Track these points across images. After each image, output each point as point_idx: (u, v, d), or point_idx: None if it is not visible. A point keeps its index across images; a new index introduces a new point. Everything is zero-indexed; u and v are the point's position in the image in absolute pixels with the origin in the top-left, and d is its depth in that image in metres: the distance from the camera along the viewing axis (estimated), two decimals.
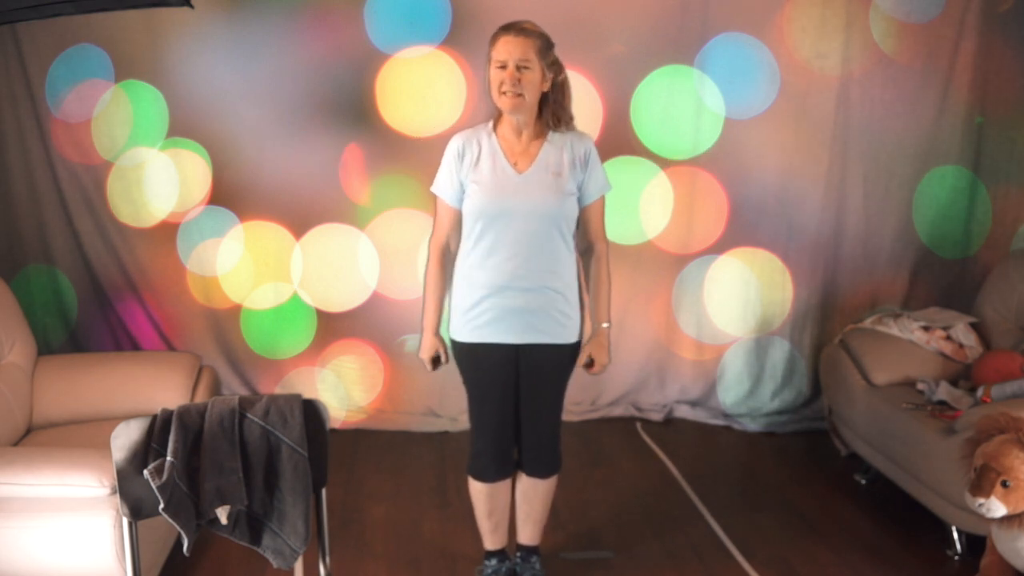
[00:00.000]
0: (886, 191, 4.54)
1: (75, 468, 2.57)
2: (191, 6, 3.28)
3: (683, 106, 4.45)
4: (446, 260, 2.91)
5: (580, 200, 2.83)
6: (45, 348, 4.34)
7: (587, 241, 2.92)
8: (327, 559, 2.24)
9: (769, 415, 4.66)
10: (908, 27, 4.37)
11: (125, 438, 2.02)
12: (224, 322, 4.53)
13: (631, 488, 3.93)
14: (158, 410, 2.09)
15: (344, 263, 4.51)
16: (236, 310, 4.54)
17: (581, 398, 4.65)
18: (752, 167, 4.51)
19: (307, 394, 2.85)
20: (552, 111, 2.78)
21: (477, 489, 2.99)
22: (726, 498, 3.83)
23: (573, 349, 2.89)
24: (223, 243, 4.46)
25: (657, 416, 4.69)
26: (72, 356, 3.92)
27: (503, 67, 2.68)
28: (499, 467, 2.95)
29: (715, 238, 4.60)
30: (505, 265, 2.77)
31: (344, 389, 4.59)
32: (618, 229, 4.46)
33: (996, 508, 2.66)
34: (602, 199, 2.89)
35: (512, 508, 3.08)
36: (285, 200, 4.43)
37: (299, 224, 4.47)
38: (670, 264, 4.63)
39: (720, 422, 4.67)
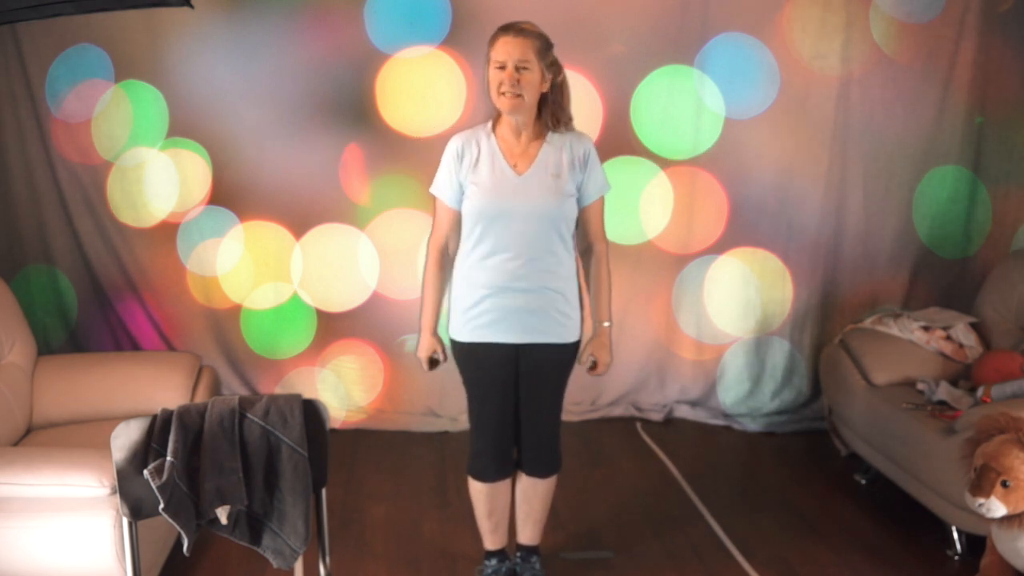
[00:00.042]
0: (886, 191, 4.54)
1: (75, 468, 2.57)
2: (191, 6, 3.28)
3: (683, 106, 4.45)
4: (445, 261, 2.91)
5: (579, 201, 2.83)
6: (45, 348, 4.34)
7: (587, 242, 2.92)
8: (327, 559, 2.24)
9: (769, 415, 4.66)
10: (908, 27, 4.37)
11: (125, 438, 2.02)
12: (224, 322, 4.53)
13: (631, 488, 3.93)
14: (158, 410, 2.09)
15: (344, 263, 4.51)
16: (236, 310, 4.54)
17: (581, 398, 4.65)
18: (752, 167, 4.51)
19: (307, 394, 2.85)
20: (551, 112, 2.78)
21: (477, 489, 2.99)
22: (726, 498, 3.83)
23: (573, 348, 2.90)
24: (223, 243, 4.46)
25: (657, 416, 4.69)
26: (72, 356, 3.92)
27: (502, 68, 2.67)
28: (499, 467, 2.95)
29: (715, 238, 4.60)
30: (505, 266, 2.77)
31: (344, 389, 4.59)
32: (618, 229, 4.46)
33: (996, 508, 2.66)
34: (601, 199, 2.89)
35: (512, 508, 3.08)
36: (285, 200, 4.43)
37: (299, 224, 4.47)
38: (670, 264, 4.63)
39: (720, 422, 4.67)
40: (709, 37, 4.38)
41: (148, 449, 2.03)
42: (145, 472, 1.99)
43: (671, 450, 4.32)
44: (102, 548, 2.56)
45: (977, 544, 3.13)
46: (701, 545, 3.43)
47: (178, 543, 2.75)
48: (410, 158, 4.33)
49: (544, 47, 2.71)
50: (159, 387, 3.44)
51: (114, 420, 2.53)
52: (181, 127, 4.33)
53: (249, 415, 2.11)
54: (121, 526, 2.24)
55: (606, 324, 2.93)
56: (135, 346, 4.51)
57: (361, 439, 4.42)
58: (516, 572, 3.11)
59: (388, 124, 4.39)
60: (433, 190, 2.87)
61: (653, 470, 4.12)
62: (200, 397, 3.47)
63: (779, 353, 4.67)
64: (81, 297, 4.48)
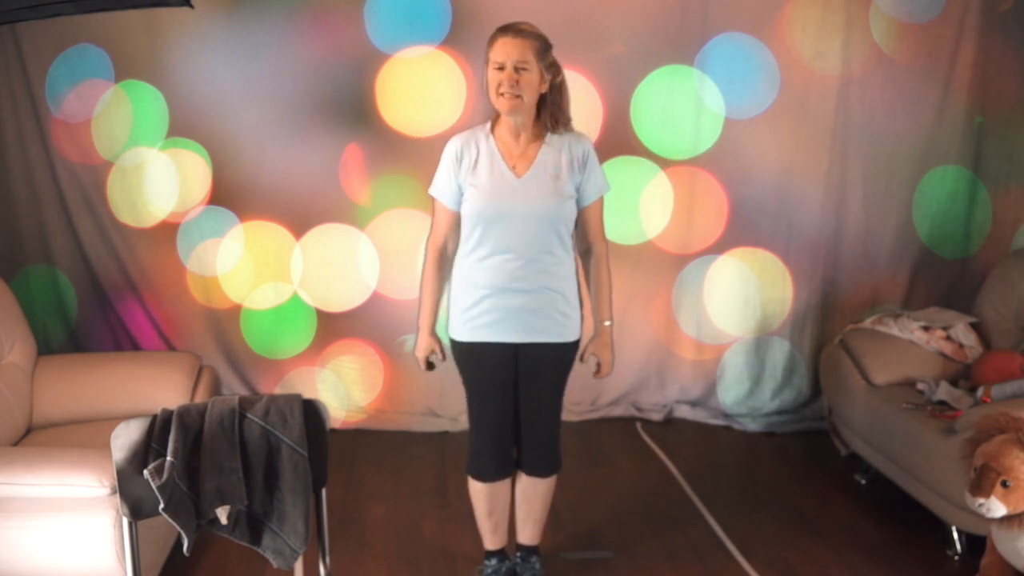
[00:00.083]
0: (886, 191, 4.54)
1: (75, 468, 2.57)
2: (191, 6, 3.28)
3: (683, 106, 4.45)
4: (443, 261, 2.91)
5: (579, 201, 2.83)
6: (45, 348, 4.34)
7: (586, 242, 2.92)
8: (327, 559, 2.24)
9: (769, 415, 4.66)
10: (908, 27, 4.37)
11: (125, 438, 2.02)
12: (224, 322, 4.53)
13: (631, 488, 3.93)
14: (158, 410, 2.09)
15: (344, 263, 4.51)
16: (236, 310, 4.54)
17: (581, 398, 4.65)
18: (752, 167, 4.51)
19: (307, 394, 2.85)
20: (550, 113, 2.77)
21: (477, 489, 2.99)
22: (726, 498, 3.83)
23: (573, 348, 2.90)
24: (223, 243, 4.46)
25: (657, 416, 4.69)
26: (72, 356, 3.92)
27: (501, 68, 2.67)
28: (499, 467, 2.95)
29: (715, 238, 4.60)
30: (504, 266, 2.78)
31: (344, 389, 4.59)
32: (618, 229, 4.46)
33: (996, 508, 2.66)
34: (601, 200, 2.88)
35: (512, 508, 3.08)
36: (285, 200, 4.43)
37: (299, 224, 4.47)
38: (670, 264, 4.63)
39: (720, 422, 4.67)
40: (709, 37, 4.38)
41: (148, 449, 2.03)
42: (145, 472, 1.99)
43: (671, 450, 4.32)
44: (102, 548, 2.56)
45: (977, 544, 3.13)
46: (701, 545, 3.43)
47: (178, 543, 2.75)
48: (410, 158, 4.33)
49: (543, 48, 2.71)
50: (159, 387, 3.44)
51: (114, 420, 2.53)
52: (181, 127, 4.33)
53: (249, 415, 2.11)
54: (121, 526, 2.24)
55: (607, 323, 2.93)
56: (135, 346, 4.51)
57: (361, 439, 4.42)
58: (516, 572, 3.11)
59: (388, 124, 4.39)
60: (432, 191, 2.87)
61: (653, 470, 4.12)
62: (200, 397, 3.47)
63: (779, 353, 4.67)
64: (81, 297, 4.48)
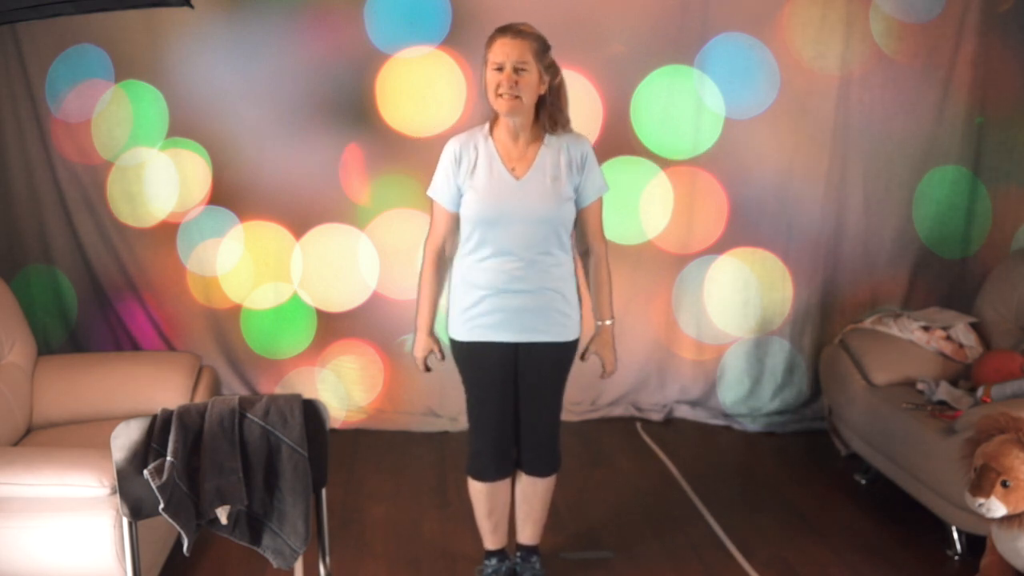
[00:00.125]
0: (886, 191, 4.54)
1: (75, 468, 2.57)
2: (191, 6, 3.28)
3: (683, 106, 4.45)
4: (441, 263, 2.91)
5: (577, 202, 2.83)
6: (45, 348, 4.34)
7: (585, 243, 2.91)
8: (327, 559, 2.24)
9: (769, 415, 4.66)
10: (908, 27, 4.37)
11: (125, 438, 2.02)
12: (224, 322, 4.53)
13: (631, 488, 3.93)
14: (158, 410, 2.09)
15: (344, 263, 4.51)
16: (236, 310, 4.54)
17: (581, 398, 4.65)
18: (752, 167, 4.51)
19: (307, 394, 2.85)
20: (549, 114, 2.76)
21: (477, 489, 2.99)
22: (726, 498, 3.83)
23: (572, 347, 2.90)
24: (223, 243, 4.46)
25: (657, 416, 4.69)
26: (72, 356, 3.92)
27: (500, 69, 2.66)
28: (498, 466, 2.95)
29: (715, 238, 4.60)
30: (503, 268, 2.78)
31: (344, 389, 4.59)
32: (618, 229, 4.46)
33: (996, 508, 2.66)
34: (600, 200, 2.88)
35: (512, 508, 3.08)
36: (285, 200, 4.43)
37: (299, 224, 4.47)
38: (670, 264, 4.63)
39: (720, 422, 4.67)
40: (709, 37, 4.38)
41: (148, 449, 2.03)
42: (145, 472, 1.99)
43: (671, 450, 4.32)
44: (102, 548, 2.56)
45: (977, 544, 3.13)
46: (701, 545, 3.43)
47: (178, 543, 2.75)
48: (410, 158, 4.33)
49: (542, 49, 2.71)
50: (159, 387, 3.44)
51: (114, 420, 2.53)
52: (181, 127, 4.33)
53: (249, 415, 2.11)
54: (121, 526, 2.23)
55: (608, 322, 2.94)
56: (135, 346, 4.51)
57: (361, 439, 4.42)
58: (516, 572, 3.11)
59: (388, 124, 4.39)
60: (430, 193, 2.87)
61: (653, 470, 4.12)
62: (200, 397, 3.47)
63: (779, 353, 4.67)
64: (81, 297, 4.48)
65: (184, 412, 2.08)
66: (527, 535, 3.09)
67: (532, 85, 2.68)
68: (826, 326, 4.64)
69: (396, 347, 4.55)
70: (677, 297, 4.66)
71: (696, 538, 3.48)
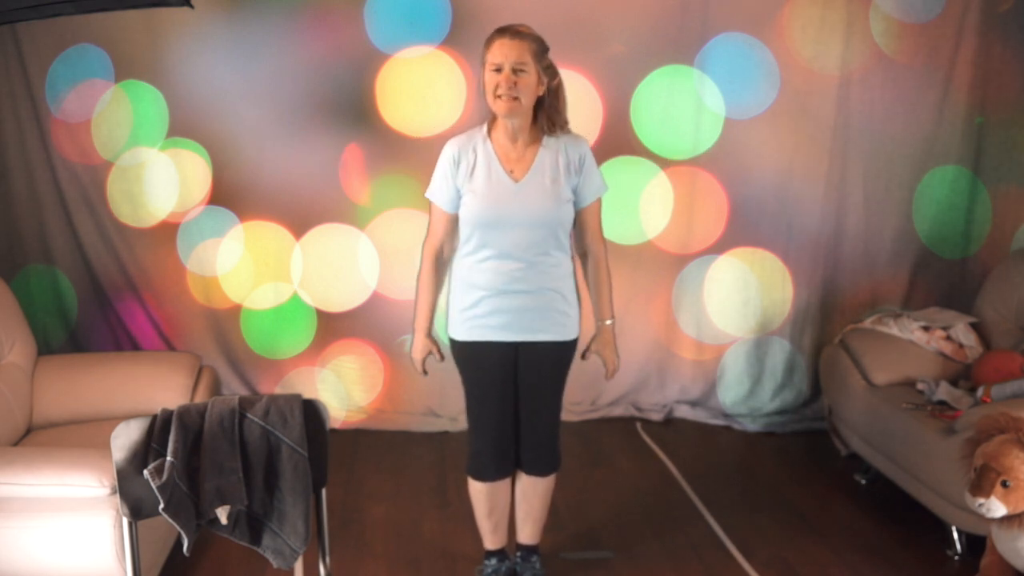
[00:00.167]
0: (886, 191, 4.54)
1: (75, 468, 2.57)
2: (191, 6, 3.28)
3: (683, 106, 4.45)
4: (439, 265, 2.91)
5: (576, 203, 2.82)
6: (45, 348, 4.34)
7: (585, 244, 2.91)
8: (327, 559, 2.24)
9: (769, 415, 4.66)
10: (908, 27, 4.37)
11: (125, 438, 2.02)
12: (224, 322, 4.53)
13: (631, 488, 3.93)
14: (158, 410, 2.09)
15: (344, 263, 4.51)
16: (236, 310, 4.54)
17: (581, 398, 4.65)
18: (752, 167, 4.51)
19: (307, 394, 2.85)
20: (547, 115, 2.76)
21: (476, 489, 2.99)
22: (726, 498, 3.83)
23: (572, 346, 2.91)
24: (223, 243, 4.46)
25: (657, 416, 4.69)
26: (72, 356, 3.92)
27: (498, 70, 2.66)
28: (498, 466, 2.95)
29: (715, 238, 4.60)
30: (503, 268, 2.78)
31: (344, 389, 4.59)
32: (618, 229, 4.46)
33: (996, 508, 2.66)
34: (599, 201, 2.88)
35: (512, 507, 3.08)
36: (285, 200, 4.43)
37: (299, 224, 4.47)
38: (670, 264, 4.63)
39: (720, 422, 4.67)
40: (709, 37, 4.38)
41: (148, 449, 2.03)
42: (145, 472, 1.99)
43: (671, 450, 4.32)
44: (102, 548, 2.56)
45: (977, 544, 3.13)
46: (701, 545, 3.43)
47: (178, 543, 2.75)
48: (410, 158, 4.33)
49: (540, 50, 2.70)
50: (159, 387, 3.44)
51: (114, 420, 2.53)
52: (181, 127, 4.33)
53: (249, 415, 2.11)
54: (121, 526, 2.24)
55: (608, 322, 2.94)
56: (135, 346, 4.51)
57: (361, 439, 4.42)
58: (516, 572, 3.11)
59: (388, 124, 4.39)
60: (429, 195, 2.86)
61: (653, 470, 4.12)
62: (200, 397, 3.47)
63: (779, 353, 4.67)
64: (81, 297, 4.48)
65: (184, 412, 2.08)
66: (527, 535, 3.09)
67: (531, 86, 2.68)
68: (826, 326, 4.64)
69: (396, 347, 4.55)
70: (677, 297, 4.66)
71: (696, 538, 3.48)
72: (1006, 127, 4.47)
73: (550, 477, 3.01)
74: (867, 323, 4.15)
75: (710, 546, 3.43)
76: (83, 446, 2.86)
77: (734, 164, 4.50)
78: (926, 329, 3.97)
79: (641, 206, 4.55)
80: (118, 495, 2.03)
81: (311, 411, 2.15)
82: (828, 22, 4.34)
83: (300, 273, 4.52)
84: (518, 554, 3.13)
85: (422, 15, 4.28)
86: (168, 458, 2.01)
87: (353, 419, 4.56)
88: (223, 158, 4.37)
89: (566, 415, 3.32)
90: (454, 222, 2.85)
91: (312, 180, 4.41)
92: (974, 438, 2.80)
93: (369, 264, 4.52)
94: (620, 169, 4.45)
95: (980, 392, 3.52)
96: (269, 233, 4.46)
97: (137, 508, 2.03)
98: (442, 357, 2.97)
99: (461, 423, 4.37)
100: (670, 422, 4.69)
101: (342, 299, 4.55)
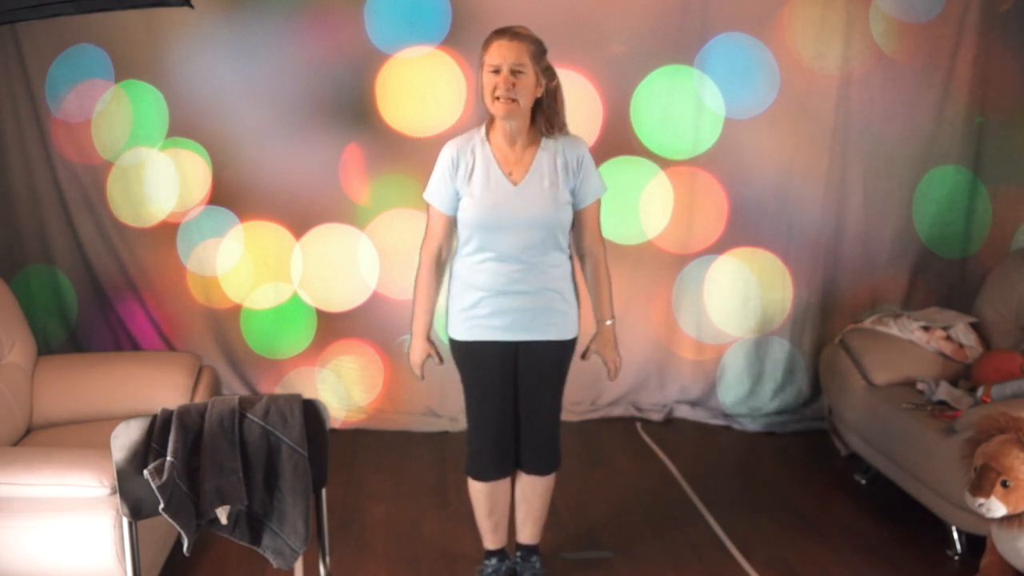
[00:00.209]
0: (886, 191, 4.54)
1: (75, 468, 2.57)
2: (191, 6, 3.28)
3: (683, 106, 4.45)
4: (438, 267, 2.90)
5: (575, 204, 2.82)
6: (45, 348, 4.34)
7: (584, 245, 2.90)
8: (327, 559, 2.24)
9: (769, 415, 4.66)
10: (908, 27, 4.37)
11: (125, 438, 2.02)
12: (224, 322, 4.53)
13: (631, 488, 3.93)
14: (158, 410, 2.09)
15: (344, 263, 4.51)
16: (236, 310, 4.54)
17: (581, 398, 4.65)
18: (752, 167, 4.51)
19: (307, 394, 2.85)
20: (546, 117, 2.76)
21: (476, 489, 2.99)
22: (726, 498, 3.83)
23: (571, 345, 2.91)
24: (223, 243, 4.46)
25: (657, 416, 4.69)
26: (72, 356, 3.92)
27: (496, 72, 2.65)
28: (498, 466, 2.95)
29: (715, 238, 4.60)
30: (502, 270, 2.78)
31: (344, 389, 4.59)
32: (618, 229, 4.47)
33: (996, 508, 2.66)
34: (598, 202, 2.87)
35: (512, 507, 3.08)
36: (285, 200, 4.43)
37: (299, 224, 4.47)
38: (670, 264, 4.63)
39: (720, 422, 4.67)
40: (709, 37, 4.38)
41: (148, 449, 2.03)
42: (145, 472, 1.99)
43: (671, 450, 4.32)
44: (102, 548, 2.56)
45: (977, 544, 3.13)
46: (701, 545, 3.43)
47: (178, 543, 2.75)
48: (410, 158, 4.33)
49: (539, 51, 2.70)
50: (159, 387, 3.44)
51: (114, 420, 2.53)
52: (181, 127, 4.33)
53: (249, 415, 2.11)
54: (121, 526, 2.23)
55: (608, 322, 2.94)
56: (135, 346, 4.51)
57: (361, 439, 4.42)
58: (516, 571, 3.11)
59: (388, 124, 4.39)
60: (427, 197, 2.86)
61: (653, 470, 4.12)
62: (200, 397, 3.47)
63: (779, 353, 4.67)
64: (81, 297, 4.48)
65: (184, 412, 2.08)
66: (527, 534, 3.09)
67: (529, 88, 2.67)
68: (826, 326, 4.64)
69: (396, 347, 4.54)
70: (677, 297, 4.66)
71: (696, 538, 3.48)
72: (1006, 127, 4.47)
73: (550, 476, 3.01)
74: (867, 323, 4.15)
75: (710, 546, 3.43)
76: (83, 446, 2.86)
77: (734, 164, 4.50)
78: (926, 329, 3.97)
79: (641, 206, 4.55)
80: (118, 495, 2.03)
81: (311, 411, 2.15)
82: (828, 22, 4.35)
83: (300, 273, 4.52)
84: (518, 554, 3.13)
85: (422, 15, 4.28)
86: (168, 458, 2.01)
87: (353, 419, 4.56)
88: (223, 158, 4.37)
89: (566, 415, 3.32)
90: (452, 224, 2.85)
91: (312, 180, 4.41)
92: (974, 438, 2.80)
93: (369, 264, 4.52)
94: (620, 169, 4.45)
95: (980, 392, 3.52)
96: (269, 233, 4.46)
97: (137, 508, 2.03)
98: (441, 360, 2.96)
99: (461, 423, 4.36)
100: (670, 422, 4.69)
101: (342, 299, 4.56)
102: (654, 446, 4.37)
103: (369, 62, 4.31)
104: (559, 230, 2.79)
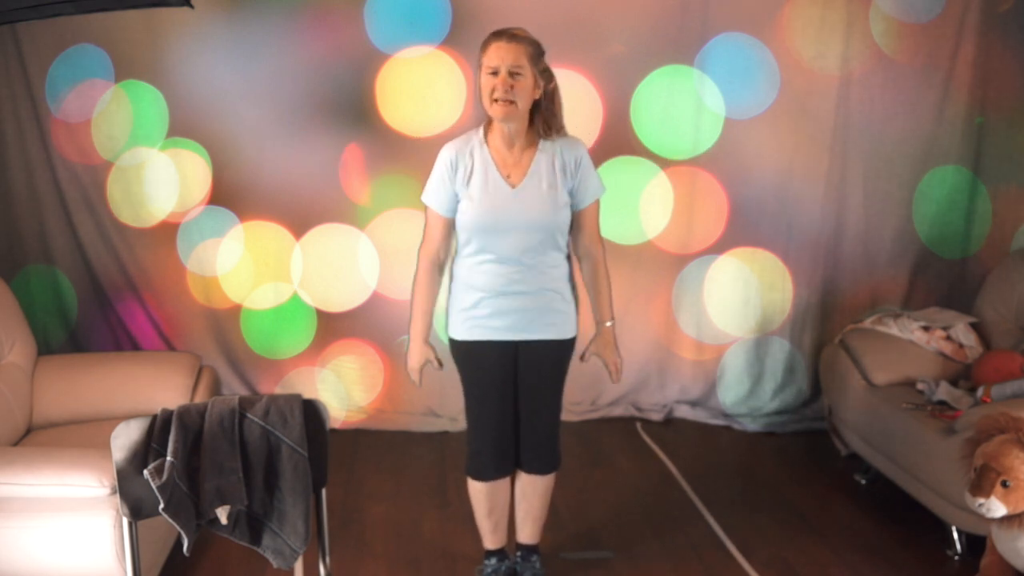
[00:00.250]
0: (886, 191, 4.54)
1: (75, 468, 2.57)
2: (191, 6, 3.28)
3: (683, 106, 4.45)
4: (436, 270, 2.89)
5: (573, 205, 2.82)
6: (45, 348, 4.33)
7: (583, 246, 2.90)
8: (327, 559, 2.24)
9: (769, 415, 4.65)
10: (908, 27, 4.37)
11: (125, 438, 2.02)
12: (224, 322, 4.53)
13: (631, 488, 3.93)
14: (158, 410, 2.09)
15: (344, 263, 4.51)
16: (236, 310, 4.54)
17: (581, 398, 4.65)
18: (752, 167, 4.51)
19: (307, 394, 2.84)
20: (543, 119, 2.75)
21: (476, 489, 2.99)
22: (726, 498, 3.83)
23: (571, 344, 2.91)
24: (223, 243, 4.46)
25: (657, 416, 4.69)
26: (72, 356, 3.92)
27: (495, 73, 2.65)
28: (498, 465, 2.95)
29: (715, 238, 4.60)
30: (501, 271, 2.78)
31: (344, 389, 4.59)
32: (618, 229, 4.47)
33: (996, 508, 2.66)
34: (596, 203, 2.87)
35: (511, 507, 3.08)
36: (285, 200, 4.43)
37: (299, 224, 4.47)
38: (670, 264, 4.63)
39: (720, 422, 4.67)
40: (709, 37, 4.38)
41: (148, 449, 2.03)
42: (145, 472, 1.99)
43: (671, 450, 4.32)
44: (102, 548, 2.56)
45: (977, 544, 3.13)
46: (701, 545, 3.43)
47: (178, 543, 2.75)
48: (410, 158, 4.33)
49: (537, 53, 2.70)
50: (159, 387, 3.44)
51: (114, 420, 2.52)
52: (181, 127, 4.33)
53: (249, 415, 2.11)
54: (121, 526, 2.23)
55: (608, 324, 2.93)
56: (135, 346, 4.51)
57: (361, 439, 4.42)
58: (516, 571, 3.11)
59: (388, 124, 4.39)
60: (425, 199, 2.85)
61: (653, 470, 4.12)
62: (200, 397, 3.47)
63: (779, 353, 4.66)
64: (81, 297, 4.48)
65: (184, 412, 2.08)
66: (527, 534, 3.09)
67: (527, 90, 2.67)
68: (826, 326, 4.63)
69: (396, 347, 4.54)
70: (677, 297, 4.66)
71: (696, 538, 3.48)
72: (1006, 127, 4.47)
73: (550, 476, 3.01)
74: (867, 323, 4.15)
75: (710, 546, 3.43)
76: (83, 446, 2.86)
77: (734, 164, 4.50)
78: (926, 329, 3.97)
79: (641, 206, 4.55)
80: (118, 495, 2.03)
81: (311, 411, 2.15)
82: (828, 22, 4.34)
83: (300, 273, 4.52)
84: (518, 554, 3.13)
85: (422, 15, 4.28)
86: (168, 458, 2.01)
87: (353, 419, 4.56)
88: (223, 158, 4.37)
89: (566, 415, 3.32)
90: (451, 226, 2.84)
91: (312, 180, 4.41)
92: (974, 438, 2.80)
93: (369, 264, 4.52)
94: (620, 169, 4.45)
95: (980, 392, 3.52)
96: (269, 233, 4.46)
97: (137, 508, 2.03)
98: (441, 365, 2.94)
99: (461, 423, 4.36)
100: (670, 422, 4.69)
101: (342, 299, 4.56)
102: (654, 446, 4.37)
103: (369, 62, 4.31)
104: (558, 232, 2.79)
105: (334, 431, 4.36)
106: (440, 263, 2.90)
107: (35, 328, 4.03)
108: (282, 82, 4.31)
